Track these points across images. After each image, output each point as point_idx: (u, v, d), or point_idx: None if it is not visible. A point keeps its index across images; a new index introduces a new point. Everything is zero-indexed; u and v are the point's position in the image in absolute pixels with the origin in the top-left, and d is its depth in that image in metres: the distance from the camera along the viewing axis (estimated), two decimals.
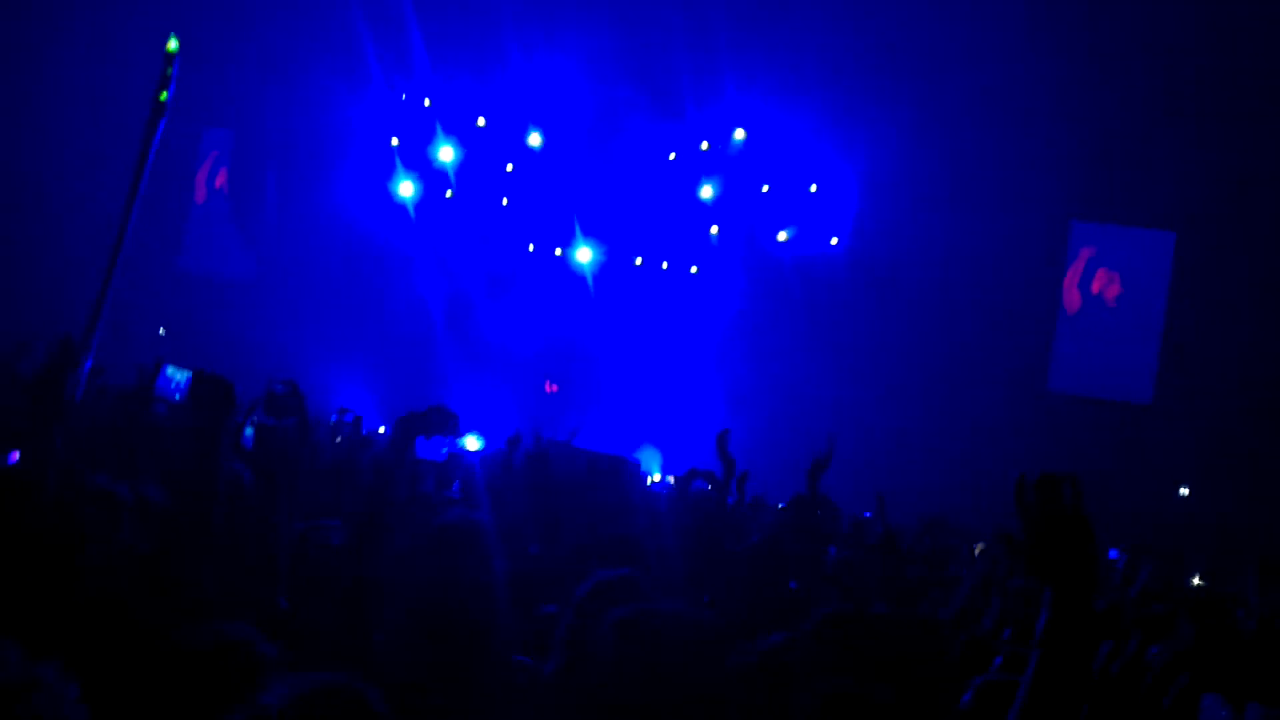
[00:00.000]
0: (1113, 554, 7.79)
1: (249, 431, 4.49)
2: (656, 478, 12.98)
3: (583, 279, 16.82)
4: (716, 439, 6.37)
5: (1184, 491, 14.10)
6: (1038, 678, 2.17)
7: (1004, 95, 14.37)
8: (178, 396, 3.19)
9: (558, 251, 16.92)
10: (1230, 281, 14.12)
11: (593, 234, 16.69)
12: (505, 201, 17.01)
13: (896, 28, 14.55)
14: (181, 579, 2.69)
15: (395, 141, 16.87)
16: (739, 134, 16.11)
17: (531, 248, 17.06)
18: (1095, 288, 15.48)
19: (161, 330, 14.97)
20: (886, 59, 14.66)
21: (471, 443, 11.19)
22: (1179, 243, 14.96)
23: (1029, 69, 14.18)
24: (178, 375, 3.16)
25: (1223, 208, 14.03)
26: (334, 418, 10.62)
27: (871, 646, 3.03)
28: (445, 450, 4.99)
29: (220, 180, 18.20)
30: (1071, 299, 15.62)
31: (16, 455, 3.39)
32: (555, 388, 16.67)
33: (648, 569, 3.72)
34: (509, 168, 16.92)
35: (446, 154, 16.84)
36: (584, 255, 16.70)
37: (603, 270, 16.79)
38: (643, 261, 16.78)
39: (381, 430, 10.67)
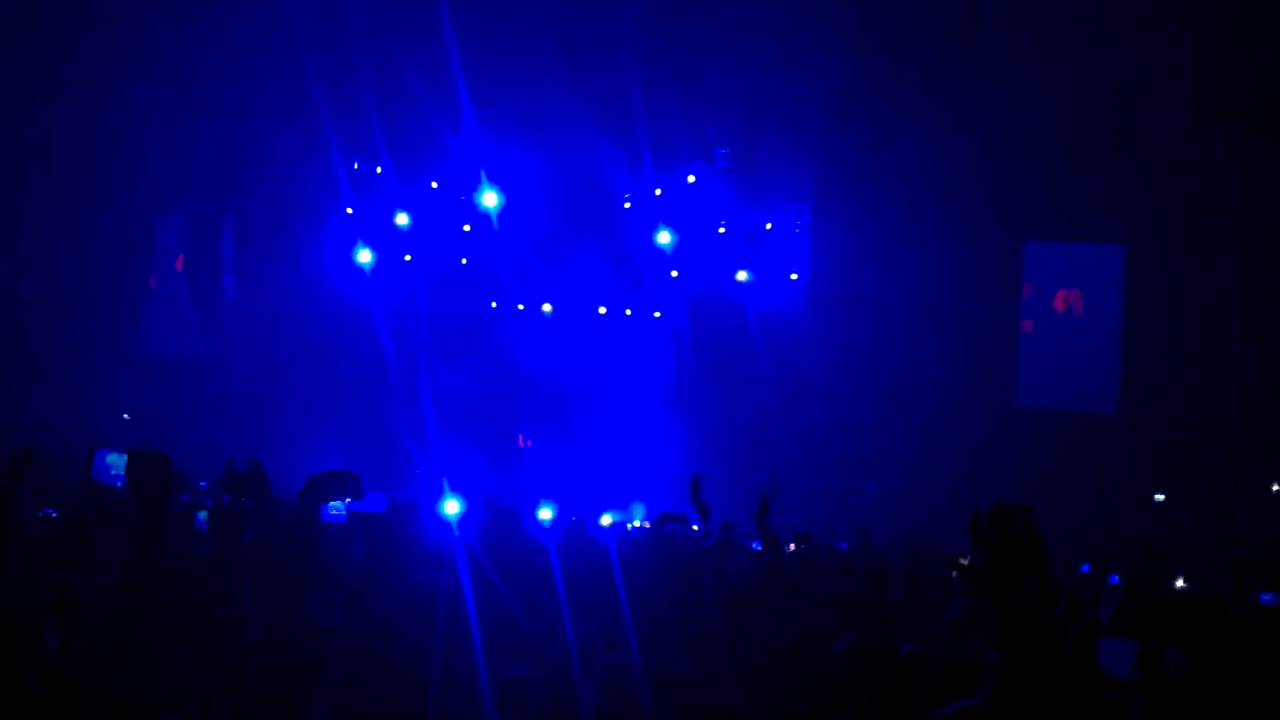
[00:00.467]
0: (1084, 569, 7.80)
1: (202, 515, 4.45)
2: (637, 524, 12.92)
3: (549, 331, 16.85)
4: (689, 485, 6.40)
5: (1159, 497, 14.21)
6: (1002, 694, 2.20)
7: (953, 121, 14.63)
8: (117, 482, 3.15)
9: (520, 307, 16.97)
10: (1181, 287, 14.36)
11: (554, 285, 16.76)
12: (464, 261, 17.06)
13: (844, 59, 14.77)
14: (131, 667, 2.65)
15: (350, 210, 16.92)
16: (690, 179, 16.30)
17: (495, 304, 17.10)
18: (1057, 305, 15.72)
19: (126, 416, 14.82)
20: (836, 91, 14.88)
21: (451, 506, 11.10)
22: (1128, 255, 15.24)
23: (976, 94, 14.47)
24: (115, 460, 3.12)
25: (1167, 218, 14.32)
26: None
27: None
28: (345, 510, 5.05)
29: (177, 264, 18.17)
30: (1032, 317, 15.84)
31: None
32: (529, 442, 16.62)
33: (618, 620, 3.74)
34: (466, 228, 17.00)
35: (402, 219, 16.91)
36: (548, 307, 16.79)
37: (568, 321, 16.84)
38: (606, 310, 16.86)
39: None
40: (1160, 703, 2.29)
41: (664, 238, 16.40)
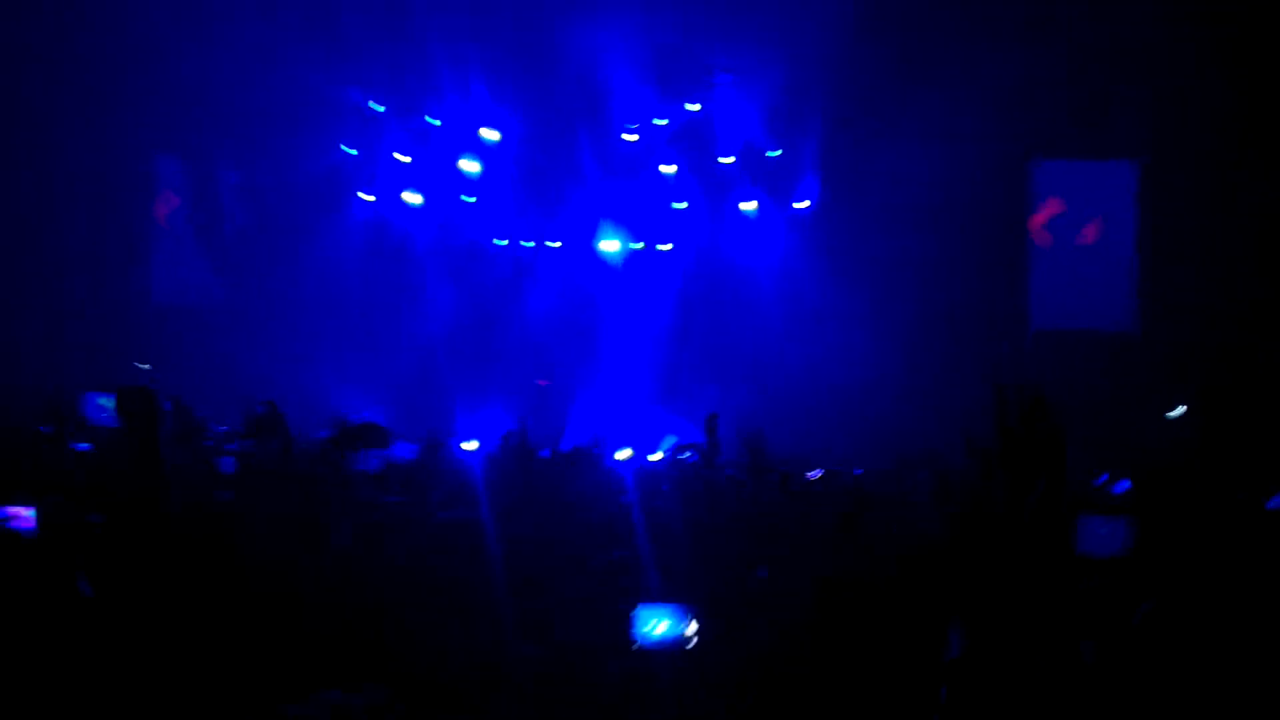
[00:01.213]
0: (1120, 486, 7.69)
1: (228, 460, 4.49)
2: (659, 456, 13.02)
3: (557, 269, 16.79)
4: (705, 422, 6.45)
5: (1176, 412, 14.11)
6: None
7: (958, 40, 14.35)
8: (109, 422, 3.18)
9: (529, 244, 16.87)
10: (1198, 202, 14.17)
11: (560, 222, 16.65)
12: (472, 199, 16.91)
13: None
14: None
15: (353, 151, 16.72)
16: (694, 106, 16.04)
17: (505, 242, 16.98)
18: (1069, 225, 15.56)
19: (144, 365, 14.84)
20: (847, 16, 14.54)
21: (470, 445, 11.20)
22: (1143, 170, 15.01)
23: (985, 13, 14.19)
24: (105, 402, 3.13)
25: (1180, 131, 14.08)
26: (324, 433, 10.56)
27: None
28: (377, 461, 5.18)
29: (177, 204, 18.05)
30: (1043, 237, 15.68)
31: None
32: (547, 382, 16.63)
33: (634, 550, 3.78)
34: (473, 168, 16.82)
35: (404, 158, 16.76)
36: (555, 244, 16.71)
37: (576, 257, 16.77)
38: (622, 247, 16.76)
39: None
40: (1148, 578, 2.31)
41: (668, 169, 16.25)
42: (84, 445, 5.37)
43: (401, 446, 6.81)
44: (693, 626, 2.47)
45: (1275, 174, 13.75)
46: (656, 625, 2.51)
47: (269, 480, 3.83)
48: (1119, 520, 2.52)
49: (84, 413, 3.47)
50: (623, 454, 11.16)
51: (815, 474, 8.11)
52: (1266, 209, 13.83)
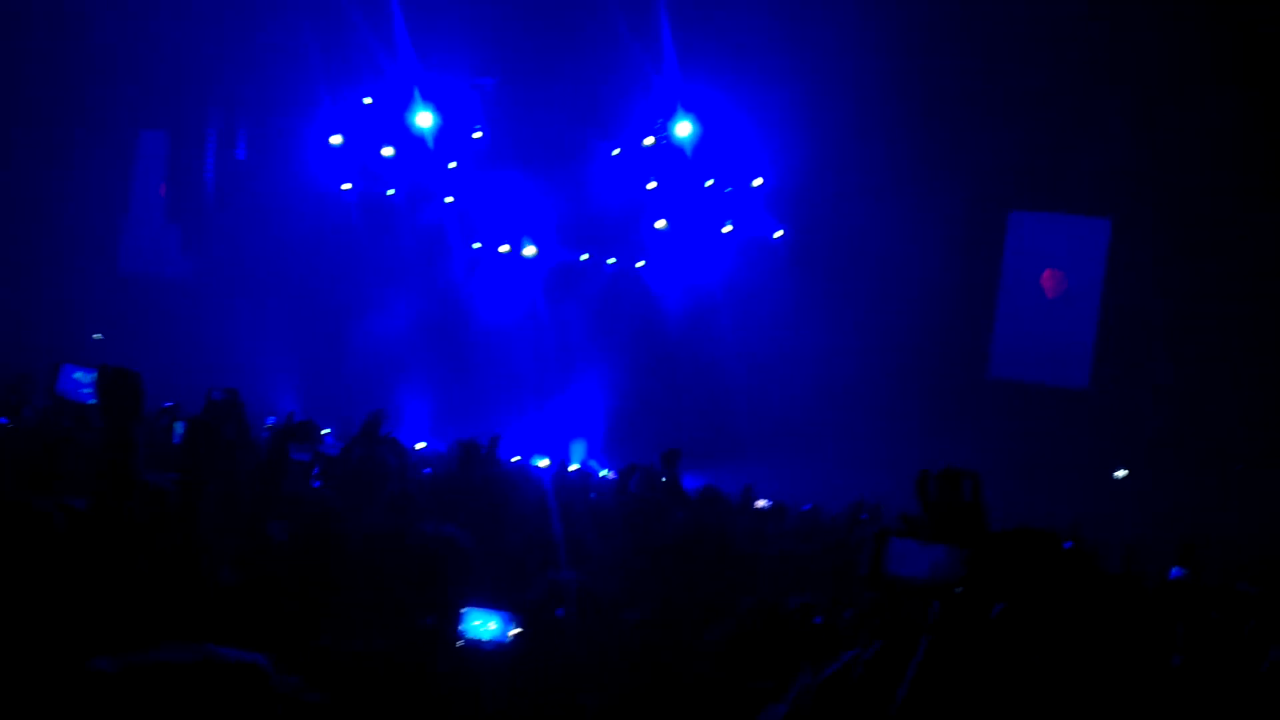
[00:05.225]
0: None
1: (179, 426, 4.58)
2: (574, 467, 13.09)
3: (530, 275, 16.86)
4: (662, 459, 6.52)
5: (1120, 474, 14.38)
6: (926, 662, 2.29)
7: (938, 88, 14.58)
8: (86, 399, 3.12)
9: (504, 248, 16.94)
10: (1165, 265, 14.43)
11: (538, 230, 16.72)
12: (450, 199, 16.96)
13: (829, 25, 14.61)
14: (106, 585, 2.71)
15: (338, 139, 16.72)
16: (684, 128, 16.17)
17: (478, 245, 17.05)
18: (1036, 277, 15.84)
19: (97, 335, 14.74)
20: (820, 56, 14.74)
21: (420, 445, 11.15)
22: (1114, 229, 15.33)
23: (961, 62, 14.41)
24: (83, 376, 3.07)
25: (1155, 192, 14.34)
26: (271, 420, 10.61)
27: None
28: (310, 453, 5.49)
29: (160, 187, 18.02)
30: (1011, 288, 15.96)
31: None
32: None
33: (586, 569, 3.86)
34: (452, 164, 16.88)
35: (388, 151, 16.79)
36: (531, 250, 16.80)
37: (550, 266, 16.85)
38: (589, 257, 16.87)
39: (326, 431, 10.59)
40: (951, 604, 2.38)
41: (651, 185, 16.43)
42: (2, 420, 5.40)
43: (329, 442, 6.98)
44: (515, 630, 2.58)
45: (1247, 239, 13.94)
46: (484, 625, 2.62)
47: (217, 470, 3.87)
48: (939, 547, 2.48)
49: (57, 384, 3.40)
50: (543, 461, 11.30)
51: (761, 504, 8.21)
52: (1235, 272, 14.04)
